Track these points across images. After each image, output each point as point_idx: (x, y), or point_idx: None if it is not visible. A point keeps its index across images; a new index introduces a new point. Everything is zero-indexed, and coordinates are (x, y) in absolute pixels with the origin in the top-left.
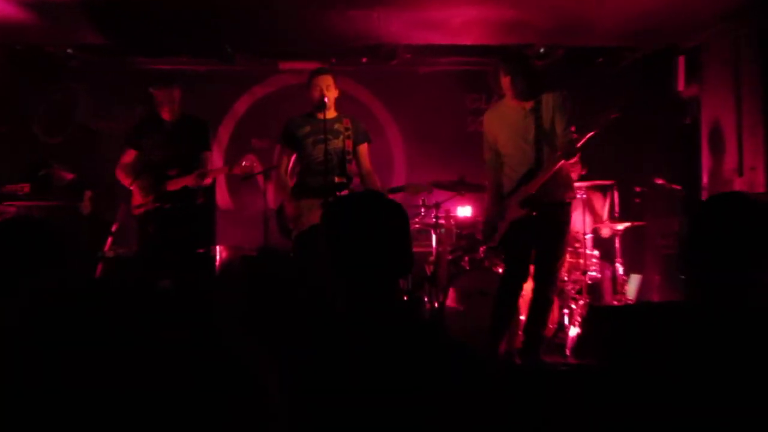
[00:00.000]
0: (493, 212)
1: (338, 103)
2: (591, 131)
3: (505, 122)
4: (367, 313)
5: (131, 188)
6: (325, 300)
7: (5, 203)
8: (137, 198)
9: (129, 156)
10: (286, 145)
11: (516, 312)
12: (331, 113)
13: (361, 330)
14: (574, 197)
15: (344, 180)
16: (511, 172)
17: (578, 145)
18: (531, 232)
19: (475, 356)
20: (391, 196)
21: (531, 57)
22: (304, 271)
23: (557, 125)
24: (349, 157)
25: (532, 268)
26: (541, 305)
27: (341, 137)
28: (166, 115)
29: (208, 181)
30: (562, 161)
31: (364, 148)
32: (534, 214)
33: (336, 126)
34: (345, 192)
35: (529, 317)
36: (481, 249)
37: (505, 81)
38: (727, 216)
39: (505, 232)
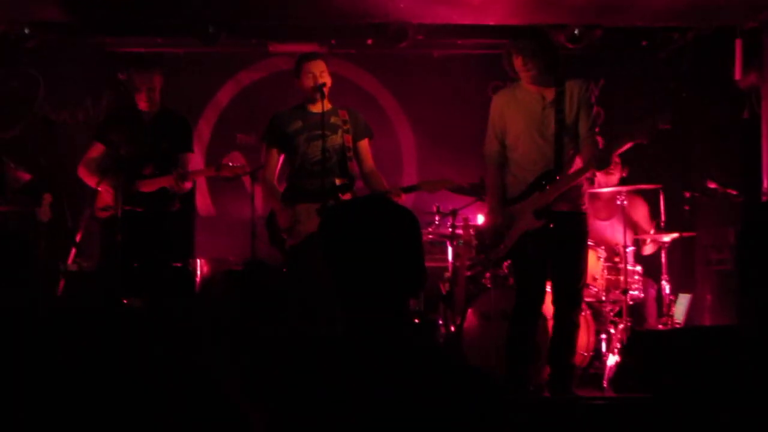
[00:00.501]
0: (499, 219)
1: (332, 93)
2: (632, 141)
3: (519, 110)
4: (370, 338)
5: (98, 188)
6: (322, 321)
7: None
8: (103, 199)
9: (96, 151)
10: (274, 144)
11: (536, 337)
12: (325, 104)
13: (362, 357)
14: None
15: (346, 181)
16: (520, 171)
17: (615, 154)
18: (546, 245)
19: (495, 387)
20: (404, 197)
21: (550, 34)
22: (299, 287)
23: (581, 123)
24: (349, 155)
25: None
26: (566, 330)
27: (340, 132)
28: (143, 105)
29: (188, 185)
30: (592, 171)
31: (365, 144)
32: (551, 226)
33: (332, 119)
34: (347, 195)
35: (552, 344)
36: (505, 264)
37: (517, 61)
38: None
39: (514, 245)
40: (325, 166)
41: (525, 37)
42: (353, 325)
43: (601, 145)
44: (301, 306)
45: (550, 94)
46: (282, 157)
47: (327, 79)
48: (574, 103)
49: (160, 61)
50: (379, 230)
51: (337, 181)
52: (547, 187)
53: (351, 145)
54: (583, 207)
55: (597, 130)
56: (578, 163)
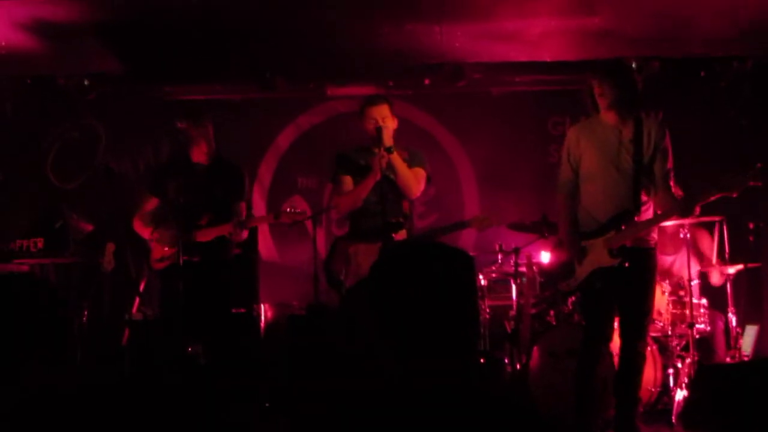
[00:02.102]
0: (573, 249)
1: (397, 134)
2: (720, 194)
3: (594, 140)
4: (421, 382)
5: (151, 239)
6: (377, 365)
7: (16, 261)
8: (158, 250)
9: (151, 204)
10: (346, 172)
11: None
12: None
13: (413, 400)
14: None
15: (400, 220)
16: (592, 206)
17: (700, 204)
18: (619, 282)
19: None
20: (465, 236)
21: (631, 69)
22: (354, 331)
23: (657, 165)
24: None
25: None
26: (632, 364)
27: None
28: (198, 156)
29: (245, 233)
30: (675, 217)
31: (417, 171)
32: (627, 265)
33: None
34: (401, 234)
35: (618, 378)
36: (570, 300)
37: (595, 88)
38: None
39: (584, 280)
40: (383, 206)
41: (606, 66)
42: (406, 370)
43: (675, 187)
44: (357, 350)
45: (627, 130)
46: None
47: (392, 122)
48: (651, 142)
49: (209, 111)
50: (429, 276)
51: (392, 220)
52: (623, 227)
53: None
54: (653, 242)
55: (672, 175)
56: (650, 208)
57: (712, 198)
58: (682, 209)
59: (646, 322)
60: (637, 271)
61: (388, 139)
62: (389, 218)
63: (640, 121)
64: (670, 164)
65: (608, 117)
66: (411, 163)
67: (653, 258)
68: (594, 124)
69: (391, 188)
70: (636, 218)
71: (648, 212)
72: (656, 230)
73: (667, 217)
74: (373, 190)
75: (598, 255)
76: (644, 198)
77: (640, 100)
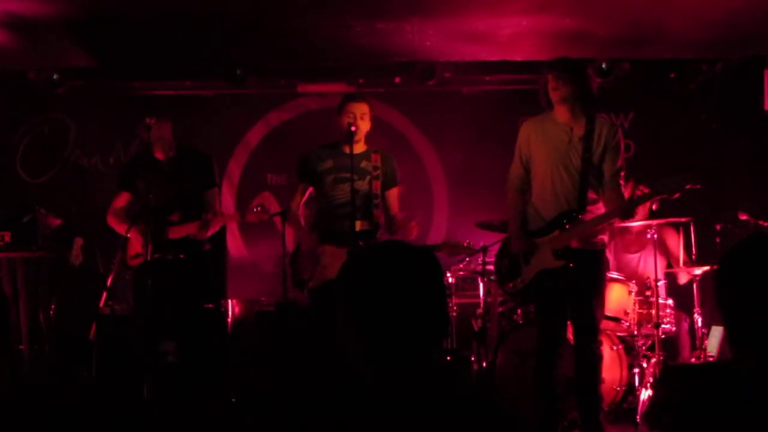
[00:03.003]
0: (520, 246)
1: (368, 133)
2: (659, 195)
3: (545, 139)
4: (394, 381)
5: (128, 236)
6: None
7: None
8: (134, 247)
9: (122, 200)
10: (303, 179)
11: (566, 372)
12: (359, 147)
13: (386, 399)
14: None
15: (369, 228)
16: (540, 203)
17: (639, 206)
18: (565, 282)
19: (523, 428)
20: (434, 235)
21: (585, 66)
22: (324, 330)
23: (607, 165)
24: (376, 202)
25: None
26: (587, 364)
27: (368, 178)
28: (159, 155)
29: (212, 230)
30: (616, 219)
31: (393, 193)
32: (572, 265)
33: (363, 164)
34: (370, 241)
35: (577, 379)
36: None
37: (551, 85)
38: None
39: (531, 281)
40: (350, 210)
41: (561, 62)
42: (375, 369)
43: (626, 186)
44: (325, 348)
45: (579, 129)
46: (309, 191)
47: (367, 123)
48: (602, 142)
49: (167, 110)
50: (397, 277)
51: (358, 225)
52: (567, 227)
53: (379, 192)
54: (600, 244)
55: (623, 174)
56: (600, 206)
57: (652, 200)
58: (622, 211)
59: (595, 323)
60: (584, 273)
61: (359, 138)
62: (356, 223)
63: (592, 119)
64: (620, 163)
65: (560, 114)
66: (385, 179)
67: (601, 260)
68: (546, 120)
69: (361, 194)
70: (581, 217)
71: (599, 211)
72: (607, 232)
73: (608, 218)
74: (339, 191)
75: (544, 256)
76: (593, 197)
77: (593, 99)
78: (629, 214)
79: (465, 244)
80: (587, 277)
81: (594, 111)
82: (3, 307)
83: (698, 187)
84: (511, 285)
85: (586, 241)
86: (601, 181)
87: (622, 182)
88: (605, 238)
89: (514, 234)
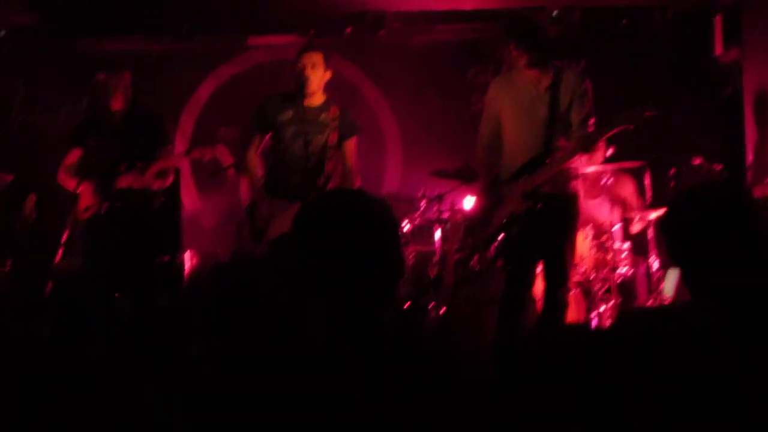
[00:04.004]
0: (487, 200)
1: (326, 84)
2: (618, 127)
3: (513, 96)
4: (350, 331)
5: (78, 191)
6: (303, 317)
7: None
8: (84, 200)
9: (73, 156)
10: (260, 129)
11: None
12: (317, 99)
13: (343, 349)
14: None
15: (322, 180)
16: (511, 156)
17: (600, 139)
18: (535, 227)
19: (482, 378)
20: (389, 182)
21: (541, 24)
22: (281, 283)
23: (573, 114)
24: (330, 154)
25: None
26: (553, 310)
27: (326, 131)
28: (117, 105)
29: (163, 180)
30: (578, 155)
31: (351, 144)
32: (539, 206)
33: (322, 116)
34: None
35: (540, 323)
36: (493, 247)
37: (513, 52)
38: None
39: (501, 227)
40: (307, 164)
41: (516, 30)
42: (332, 319)
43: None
44: (282, 300)
45: (546, 80)
46: (267, 138)
47: (321, 73)
48: (568, 94)
49: (126, 61)
50: (351, 225)
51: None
52: (537, 172)
53: (334, 143)
54: (572, 189)
55: (592, 121)
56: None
57: (612, 132)
58: (584, 143)
59: (566, 269)
60: (555, 217)
61: (312, 89)
62: (311, 177)
63: (558, 70)
64: (587, 109)
65: (527, 71)
66: (342, 130)
67: (573, 205)
68: (514, 76)
69: (318, 148)
70: (548, 161)
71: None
72: (579, 179)
73: (572, 154)
74: (297, 144)
75: (514, 201)
76: (562, 144)
77: (554, 52)
78: (591, 146)
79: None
80: (558, 221)
81: (558, 62)
82: None
83: (655, 114)
84: (481, 234)
85: (556, 186)
86: (570, 130)
87: (591, 129)
88: (577, 184)
89: (483, 188)
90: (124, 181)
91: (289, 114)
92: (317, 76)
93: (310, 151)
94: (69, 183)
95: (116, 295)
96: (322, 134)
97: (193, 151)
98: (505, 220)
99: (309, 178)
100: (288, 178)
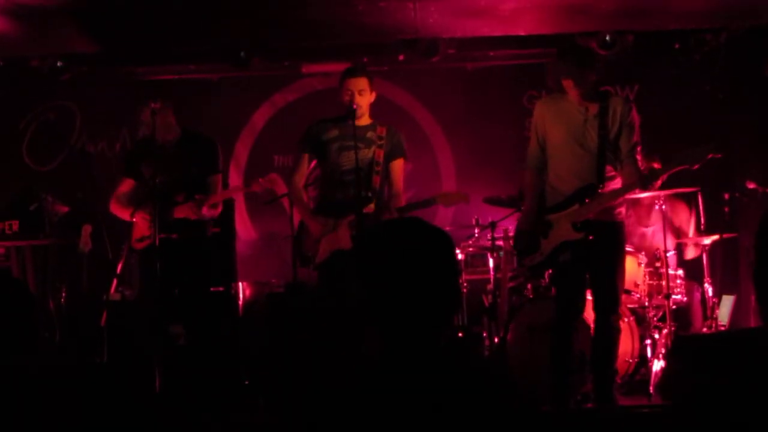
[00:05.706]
0: (532, 223)
1: (373, 109)
2: (680, 166)
3: (561, 119)
4: (407, 360)
5: (133, 220)
6: (358, 343)
7: None
8: (139, 230)
9: (126, 186)
10: (306, 150)
11: (579, 346)
12: (364, 120)
13: (399, 378)
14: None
15: (369, 194)
16: (558, 182)
17: (660, 178)
18: (584, 255)
19: (535, 402)
20: (442, 212)
21: (593, 49)
22: (332, 308)
23: (623, 141)
24: (377, 169)
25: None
26: (606, 338)
27: (372, 147)
28: (166, 136)
29: (209, 211)
30: (636, 190)
31: (398, 165)
32: (591, 238)
33: (368, 134)
34: (369, 208)
35: (594, 353)
36: (547, 274)
37: (568, 84)
38: None
39: (551, 254)
40: (356, 177)
41: (569, 52)
42: (388, 347)
43: (641, 161)
44: (334, 327)
45: (593, 107)
46: (313, 164)
47: (368, 96)
48: (617, 121)
49: (168, 97)
50: (412, 255)
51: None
52: (587, 201)
53: (381, 160)
54: (620, 216)
55: (639, 149)
56: (618, 182)
57: (672, 171)
58: (643, 182)
59: (617, 296)
60: (604, 245)
61: (361, 113)
62: (359, 191)
63: (606, 97)
64: (635, 138)
65: (574, 96)
66: (389, 149)
67: (620, 231)
68: (560, 100)
69: (365, 162)
70: (601, 191)
71: (617, 186)
72: (625, 204)
73: (628, 191)
74: (344, 158)
75: (563, 229)
76: (611, 173)
77: (604, 79)
78: (649, 185)
79: (457, 193)
80: (607, 249)
81: (606, 87)
82: (26, 296)
83: (719, 156)
84: (529, 259)
85: (604, 214)
86: (618, 157)
87: (638, 157)
88: (623, 210)
89: (528, 211)
90: (180, 212)
91: (334, 132)
92: (365, 101)
93: (357, 164)
94: (122, 213)
95: (171, 326)
96: (369, 149)
97: (252, 184)
98: (554, 248)
99: (357, 192)
100: (335, 194)
